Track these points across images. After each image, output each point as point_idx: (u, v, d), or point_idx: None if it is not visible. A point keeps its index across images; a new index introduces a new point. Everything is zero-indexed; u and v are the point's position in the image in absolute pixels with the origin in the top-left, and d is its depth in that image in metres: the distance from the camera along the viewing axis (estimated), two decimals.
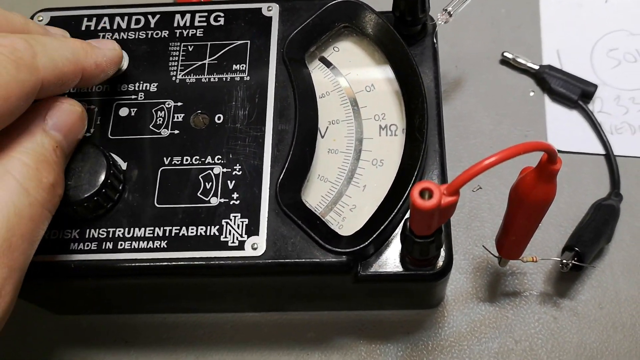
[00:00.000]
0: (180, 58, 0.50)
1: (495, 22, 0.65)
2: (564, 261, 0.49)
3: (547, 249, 0.53)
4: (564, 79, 0.59)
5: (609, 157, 0.56)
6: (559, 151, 0.56)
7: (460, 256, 0.54)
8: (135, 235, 0.44)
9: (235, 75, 0.49)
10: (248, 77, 0.49)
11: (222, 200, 0.45)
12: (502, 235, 0.45)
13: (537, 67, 0.60)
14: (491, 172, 0.54)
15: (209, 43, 0.50)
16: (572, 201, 0.55)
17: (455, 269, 0.53)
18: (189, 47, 0.50)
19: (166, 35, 0.51)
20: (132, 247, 0.44)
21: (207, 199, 0.45)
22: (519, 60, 0.61)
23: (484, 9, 0.65)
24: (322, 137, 0.49)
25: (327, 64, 0.52)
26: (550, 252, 0.53)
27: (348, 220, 0.46)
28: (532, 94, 0.61)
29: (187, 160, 0.46)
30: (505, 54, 0.61)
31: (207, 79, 0.49)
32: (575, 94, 0.58)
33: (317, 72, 0.51)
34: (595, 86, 0.58)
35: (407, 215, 0.43)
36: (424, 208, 0.34)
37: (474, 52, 0.64)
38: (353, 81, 0.51)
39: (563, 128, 0.58)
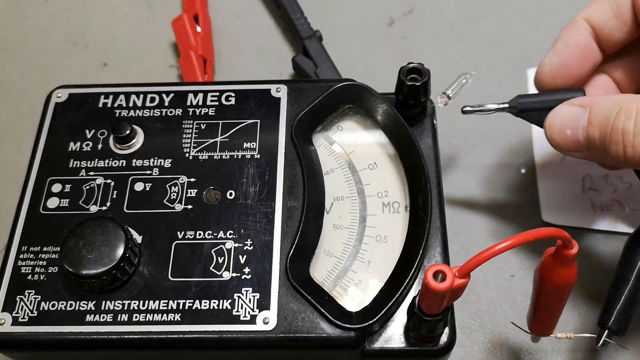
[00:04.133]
0: (193, 135, 0.52)
1: (486, 100, 0.68)
2: (604, 339, 0.49)
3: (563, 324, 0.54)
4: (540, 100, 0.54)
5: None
6: (554, 226, 0.59)
7: (457, 330, 0.55)
8: (149, 307, 0.45)
9: (246, 153, 0.51)
10: (258, 155, 0.51)
11: (234, 274, 0.46)
12: (531, 314, 0.47)
13: (506, 105, 0.55)
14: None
15: (220, 121, 0.53)
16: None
17: None
18: (202, 125, 0.53)
19: (180, 114, 0.53)
20: (147, 319, 0.45)
21: (219, 273, 0.47)
22: (489, 106, 0.55)
23: (475, 88, 0.68)
24: (328, 213, 0.51)
25: (331, 142, 0.54)
26: (566, 327, 0.55)
27: (353, 295, 0.48)
28: (523, 171, 0.63)
29: (200, 234, 0.48)
30: (465, 108, 0.55)
31: (219, 156, 0.51)
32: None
33: (322, 150, 0.54)
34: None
35: (414, 293, 0.45)
36: (438, 290, 0.36)
37: (466, 130, 0.66)
38: (356, 159, 0.53)
39: (556, 203, 0.61)
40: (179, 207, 0.49)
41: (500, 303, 0.56)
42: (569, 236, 0.37)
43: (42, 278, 0.47)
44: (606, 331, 0.49)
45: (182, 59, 0.69)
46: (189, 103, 0.54)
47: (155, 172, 0.51)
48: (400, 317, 0.46)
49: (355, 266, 0.49)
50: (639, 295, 0.50)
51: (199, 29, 0.71)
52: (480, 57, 0.71)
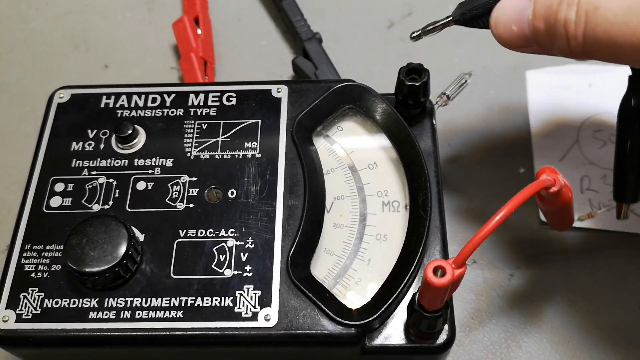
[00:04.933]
0: (195, 135, 0.52)
1: (485, 102, 0.69)
2: (624, 211, 0.51)
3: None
4: (482, 3, 0.49)
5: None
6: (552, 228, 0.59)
7: (457, 328, 0.55)
8: (152, 304, 0.46)
9: (247, 153, 0.52)
10: (259, 154, 0.52)
11: (236, 272, 0.47)
12: (548, 220, 0.51)
13: (451, 18, 0.52)
14: (486, 248, 0.57)
15: (221, 121, 0.53)
16: None
17: None
18: (203, 125, 0.53)
19: (181, 114, 0.54)
20: (149, 316, 0.45)
21: (221, 271, 0.47)
22: (435, 25, 0.53)
23: (474, 90, 0.69)
24: (328, 212, 0.51)
25: (331, 142, 0.55)
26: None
27: (354, 293, 0.48)
28: (522, 170, 0.64)
29: (201, 233, 0.48)
30: (412, 34, 0.53)
31: (220, 156, 0.52)
32: None
33: (322, 150, 0.54)
34: None
35: (414, 291, 0.46)
36: (440, 285, 0.36)
37: (466, 131, 0.67)
38: (356, 159, 0.54)
39: None
40: (180, 206, 0.50)
41: (499, 302, 0.57)
42: (551, 181, 0.39)
43: (45, 276, 0.47)
44: (623, 204, 0.51)
45: (183, 61, 0.69)
46: (190, 103, 0.54)
47: (157, 172, 0.51)
48: (400, 315, 0.47)
49: (355, 264, 0.49)
50: None
51: (199, 31, 0.71)
52: (479, 59, 0.72)
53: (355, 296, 0.48)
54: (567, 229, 0.51)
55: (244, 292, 0.46)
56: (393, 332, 0.46)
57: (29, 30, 0.76)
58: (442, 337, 0.46)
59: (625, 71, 0.51)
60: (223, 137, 0.52)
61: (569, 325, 0.56)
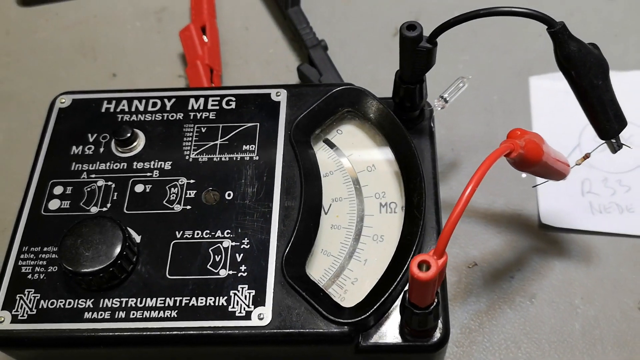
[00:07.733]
0: (194, 138, 0.53)
1: (489, 107, 0.69)
2: (614, 146, 0.51)
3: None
4: None
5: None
6: (553, 228, 0.60)
7: (457, 330, 0.56)
8: (147, 304, 0.46)
9: (245, 155, 0.52)
10: (257, 157, 0.52)
11: (231, 272, 0.47)
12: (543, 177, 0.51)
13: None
14: (487, 250, 0.57)
15: (220, 125, 0.54)
16: None
17: (452, 342, 0.55)
18: (202, 128, 0.53)
19: (181, 118, 0.54)
20: (144, 316, 0.46)
21: (216, 271, 0.47)
22: None
23: (478, 95, 0.69)
24: (326, 213, 0.51)
25: (331, 145, 0.55)
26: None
27: (350, 292, 0.48)
28: (524, 175, 0.64)
29: (198, 234, 0.49)
30: None
31: (218, 158, 0.52)
32: None
33: (322, 153, 0.54)
34: None
35: (406, 288, 0.46)
36: (426, 279, 0.36)
37: (469, 136, 0.67)
38: (355, 161, 0.54)
39: (555, 206, 0.61)
40: (178, 208, 0.50)
41: (499, 303, 0.57)
42: (509, 147, 0.42)
43: (41, 277, 0.48)
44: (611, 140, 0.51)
45: (189, 69, 0.70)
46: (190, 107, 0.55)
47: (156, 174, 0.51)
48: (395, 314, 0.47)
49: (351, 265, 0.49)
50: (606, 95, 0.50)
51: (206, 39, 0.72)
52: (483, 65, 0.72)
53: (351, 296, 0.48)
54: (563, 179, 0.52)
55: (238, 291, 0.46)
56: (387, 331, 0.46)
57: (38, 40, 0.77)
58: (436, 336, 0.46)
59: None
60: (221, 140, 0.53)
61: (568, 326, 0.55)
